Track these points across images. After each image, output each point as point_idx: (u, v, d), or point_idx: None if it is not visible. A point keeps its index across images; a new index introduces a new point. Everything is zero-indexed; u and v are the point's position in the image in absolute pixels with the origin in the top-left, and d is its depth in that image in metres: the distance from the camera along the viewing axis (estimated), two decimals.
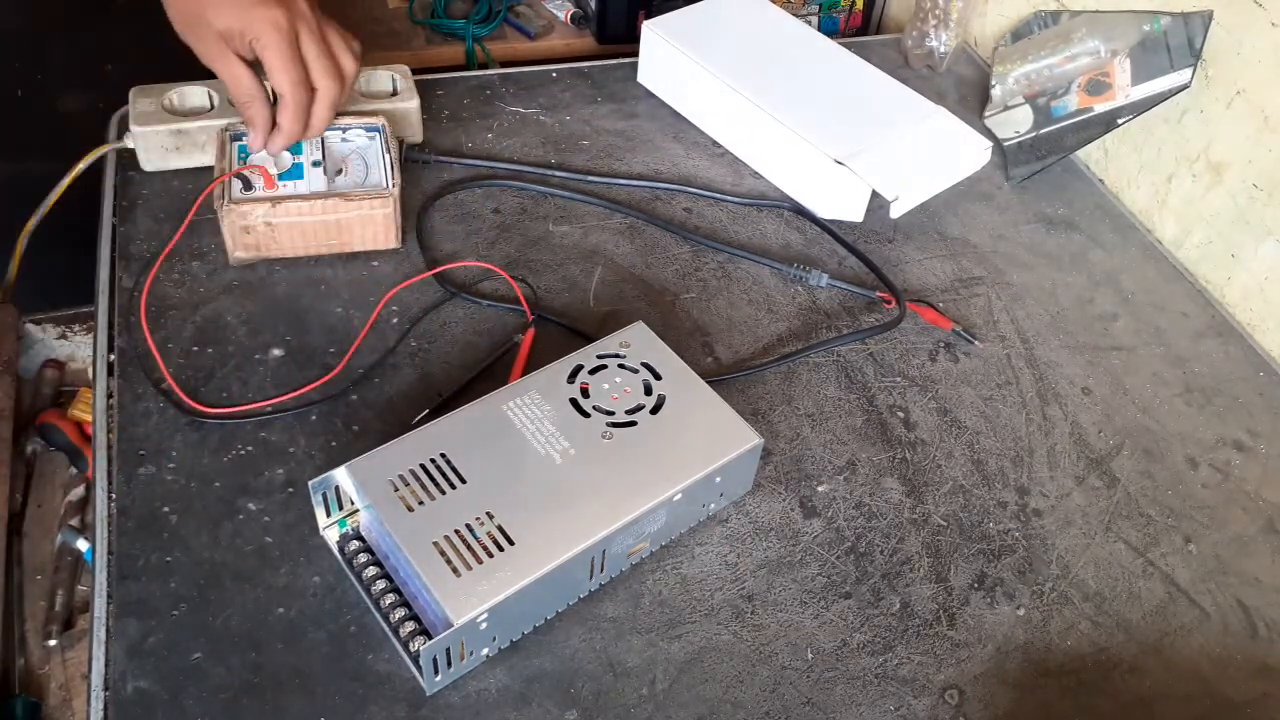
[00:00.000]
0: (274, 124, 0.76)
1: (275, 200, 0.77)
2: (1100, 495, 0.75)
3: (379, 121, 0.84)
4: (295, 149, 0.81)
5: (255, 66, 0.74)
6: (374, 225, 0.81)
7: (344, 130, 0.84)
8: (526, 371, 0.72)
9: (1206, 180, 0.94)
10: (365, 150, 0.84)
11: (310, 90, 0.75)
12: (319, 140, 0.83)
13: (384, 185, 0.81)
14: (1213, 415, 0.82)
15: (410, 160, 0.91)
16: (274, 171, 0.80)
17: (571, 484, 0.62)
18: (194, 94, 0.87)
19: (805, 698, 0.61)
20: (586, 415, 0.65)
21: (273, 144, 0.77)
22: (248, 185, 0.79)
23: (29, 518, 1.44)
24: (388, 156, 0.82)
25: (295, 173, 0.80)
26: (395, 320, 0.79)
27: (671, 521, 0.65)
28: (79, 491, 1.46)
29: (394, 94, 0.91)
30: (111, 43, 1.37)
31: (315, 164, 0.81)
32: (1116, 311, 0.89)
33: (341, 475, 0.61)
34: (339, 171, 0.82)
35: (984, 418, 0.78)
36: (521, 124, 0.99)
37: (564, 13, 1.40)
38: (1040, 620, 0.67)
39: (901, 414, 0.78)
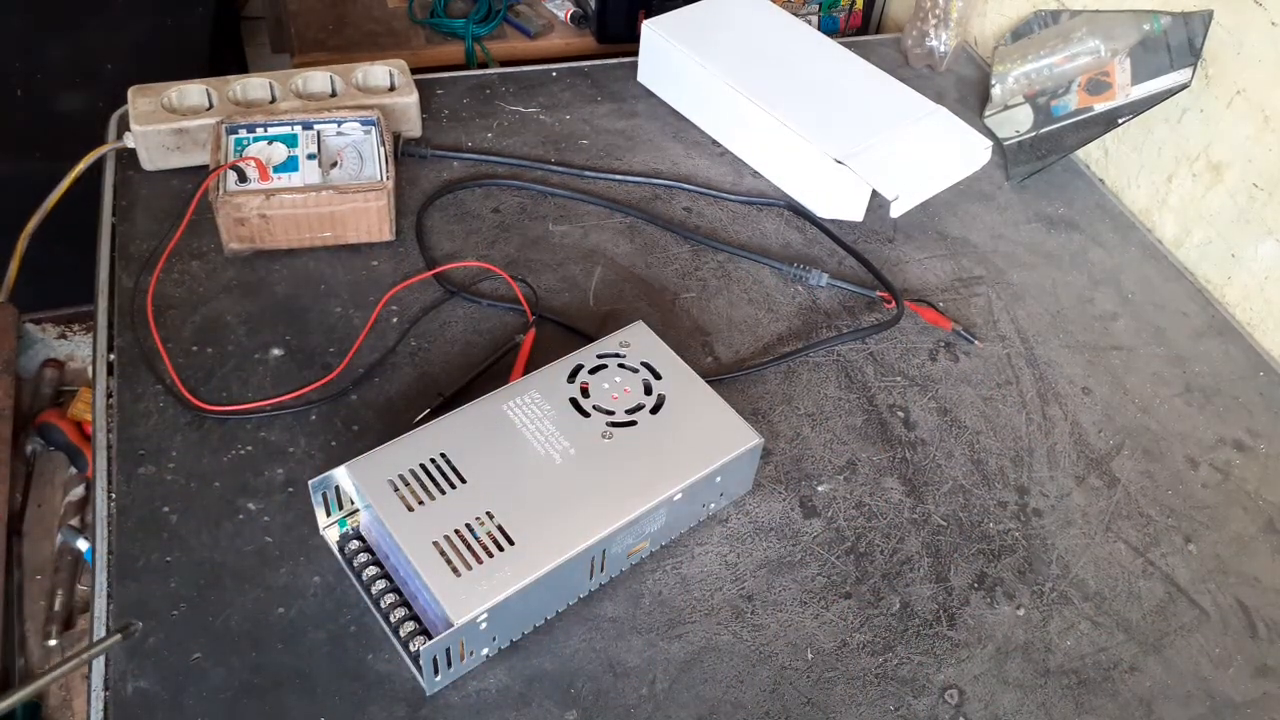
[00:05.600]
0: None
1: (269, 193, 0.77)
2: (1100, 495, 0.74)
3: (374, 114, 0.84)
4: (291, 142, 0.81)
5: None
6: (368, 217, 0.81)
7: (339, 123, 0.84)
8: (527, 371, 0.72)
9: (1206, 180, 0.94)
10: (360, 143, 0.84)
11: None
12: (314, 133, 0.83)
13: (378, 177, 0.81)
14: (1213, 415, 0.82)
15: (407, 155, 0.91)
16: (269, 164, 0.80)
17: (571, 484, 0.62)
18: (193, 92, 0.87)
19: (805, 698, 0.61)
20: (586, 415, 0.65)
21: None
22: (242, 177, 0.79)
23: (29, 518, 1.43)
24: (382, 149, 0.82)
25: (290, 165, 0.80)
26: (395, 320, 0.79)
27: (671, 521, 0.65)
28: (79, 491, 1.46)
29: (392, 89, 0.91)
30: (111, 43, 1.37)
31: (310, 157, 0.81)
32: (1116, 311, 0.89)
33: (341, 475, 0.61)
34: (334, 164, 0.82)
35: (984, 417, 0.78)
36: (521, 123, 0.99)
37: (564, 12, 1.40)
38: (1040, 620, 0.67)
39: (901, 414, 0.78)
